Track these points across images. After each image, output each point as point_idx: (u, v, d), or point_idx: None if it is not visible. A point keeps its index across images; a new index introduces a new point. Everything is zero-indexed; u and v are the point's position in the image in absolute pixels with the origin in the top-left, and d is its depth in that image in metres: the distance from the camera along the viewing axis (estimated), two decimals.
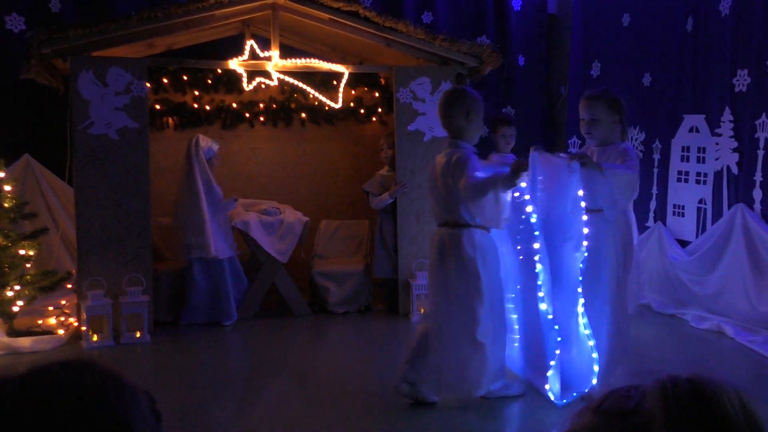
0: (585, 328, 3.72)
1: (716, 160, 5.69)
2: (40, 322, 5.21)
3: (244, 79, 5.78)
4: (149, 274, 5.22)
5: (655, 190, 6.41)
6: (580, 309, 3.72)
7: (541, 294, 3.71)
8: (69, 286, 5.42)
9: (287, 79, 5.87)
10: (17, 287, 4.88)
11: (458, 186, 3.62)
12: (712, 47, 5.71)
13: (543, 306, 3.72)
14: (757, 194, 5.29)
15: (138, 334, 5.02)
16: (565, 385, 3.73)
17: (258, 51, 5.62)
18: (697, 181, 5.94)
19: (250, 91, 6.17)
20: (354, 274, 5.91)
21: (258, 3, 5.41)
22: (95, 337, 4.93)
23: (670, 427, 0.82)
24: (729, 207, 5.54)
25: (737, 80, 5.43)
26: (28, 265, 5.05)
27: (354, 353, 4.99)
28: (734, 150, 5.49)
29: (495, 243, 3.84)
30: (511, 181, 3.55)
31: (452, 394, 3.76)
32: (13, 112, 6.17)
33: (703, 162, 5.87)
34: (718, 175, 5.69)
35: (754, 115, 5.30)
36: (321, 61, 5.75)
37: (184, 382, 4.35)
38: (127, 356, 4.79)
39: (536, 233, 3.68)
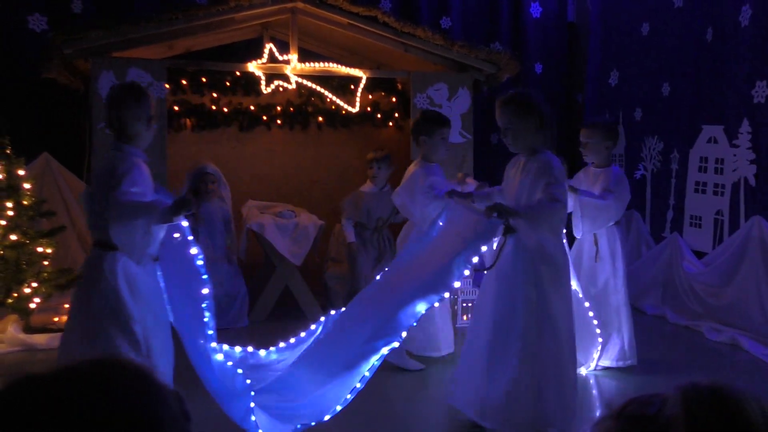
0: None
1: (733, 171, 5.66)
2: (56, 319, 5.24)
3: (263, 82, 5.81)
4: None
5: (672, 201, 6.37)
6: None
7: (213, 345, 3.30)
8: None
9: (305, 82, 5.89)
10: (34, 284, 4.91)
11: (107, 197, 3.08)
12: (730, 58, 5.68)
13: (219, 357, 3.32)
14: None
15: None
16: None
17: (277, 54, 5.64)
18: (715, 192, 5.90)
19: (267, 94, 6.19)
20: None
21: (277, 7, 5.44)
22: None
23: None
24: (746, 219, 5.51)
25: (756, 91, 5.40)
26: (46, 263, 5.09)
27: None
28: (752, 162, 5.46)
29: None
30: (168, 217, 3.08)
31: None
32: (33, 110, 6.23)
33: (721, 173, 5.83)
34: (735, 186, 5.66)
35: None
36: (339, 65, 5.77)
37: (194, 384, 4.36)
38: None
39: (204, 277, 3.19)
